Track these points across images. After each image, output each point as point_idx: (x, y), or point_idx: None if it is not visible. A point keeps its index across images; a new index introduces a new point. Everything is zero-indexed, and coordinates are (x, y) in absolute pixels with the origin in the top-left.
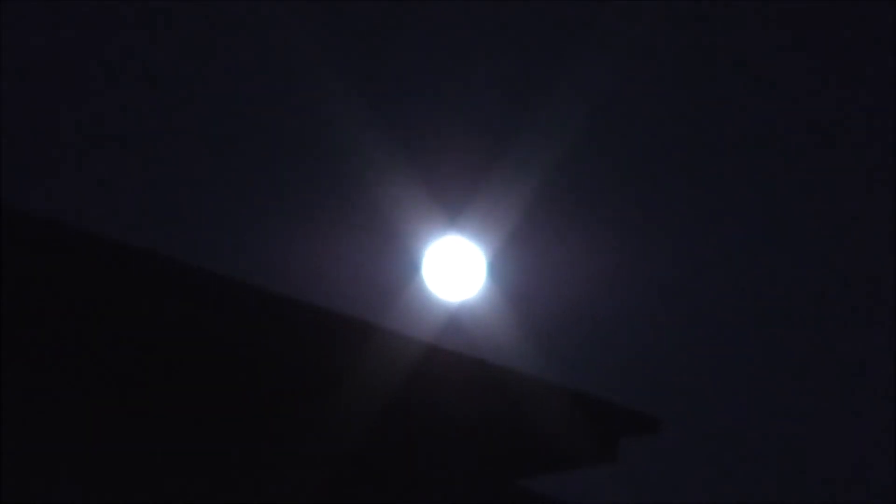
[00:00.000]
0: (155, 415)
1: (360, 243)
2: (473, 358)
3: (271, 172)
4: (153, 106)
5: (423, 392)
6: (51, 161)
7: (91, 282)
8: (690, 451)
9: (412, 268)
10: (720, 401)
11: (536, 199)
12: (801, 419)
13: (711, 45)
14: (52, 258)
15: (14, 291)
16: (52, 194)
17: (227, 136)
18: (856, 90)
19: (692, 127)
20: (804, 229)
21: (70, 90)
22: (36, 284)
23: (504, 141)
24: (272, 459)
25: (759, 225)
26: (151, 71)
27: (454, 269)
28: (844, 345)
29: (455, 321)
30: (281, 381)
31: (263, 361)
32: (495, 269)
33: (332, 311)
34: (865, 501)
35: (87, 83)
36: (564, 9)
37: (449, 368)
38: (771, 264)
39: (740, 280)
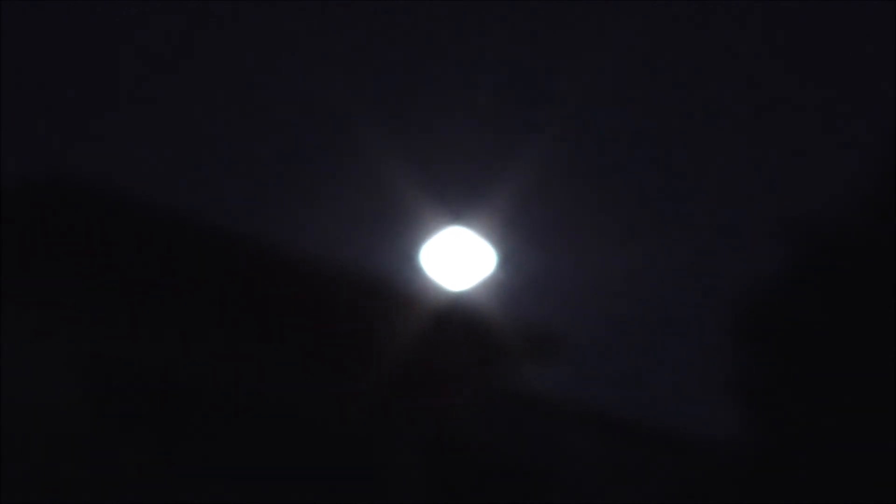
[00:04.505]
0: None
1: (363, 235)
2: (458, 304)
3: (290, 162)
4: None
5: (430, 330)
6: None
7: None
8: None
9: (416, 258)
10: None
11: (541, 193)
12: None
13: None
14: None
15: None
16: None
17: (255, 134)
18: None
19: (691, 121)
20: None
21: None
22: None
23: (509, 136)
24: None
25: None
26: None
27: (458, 259)
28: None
29: (458, 304)
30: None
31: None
32: (500, 261)
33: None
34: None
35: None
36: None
37: (442, 313)
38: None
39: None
